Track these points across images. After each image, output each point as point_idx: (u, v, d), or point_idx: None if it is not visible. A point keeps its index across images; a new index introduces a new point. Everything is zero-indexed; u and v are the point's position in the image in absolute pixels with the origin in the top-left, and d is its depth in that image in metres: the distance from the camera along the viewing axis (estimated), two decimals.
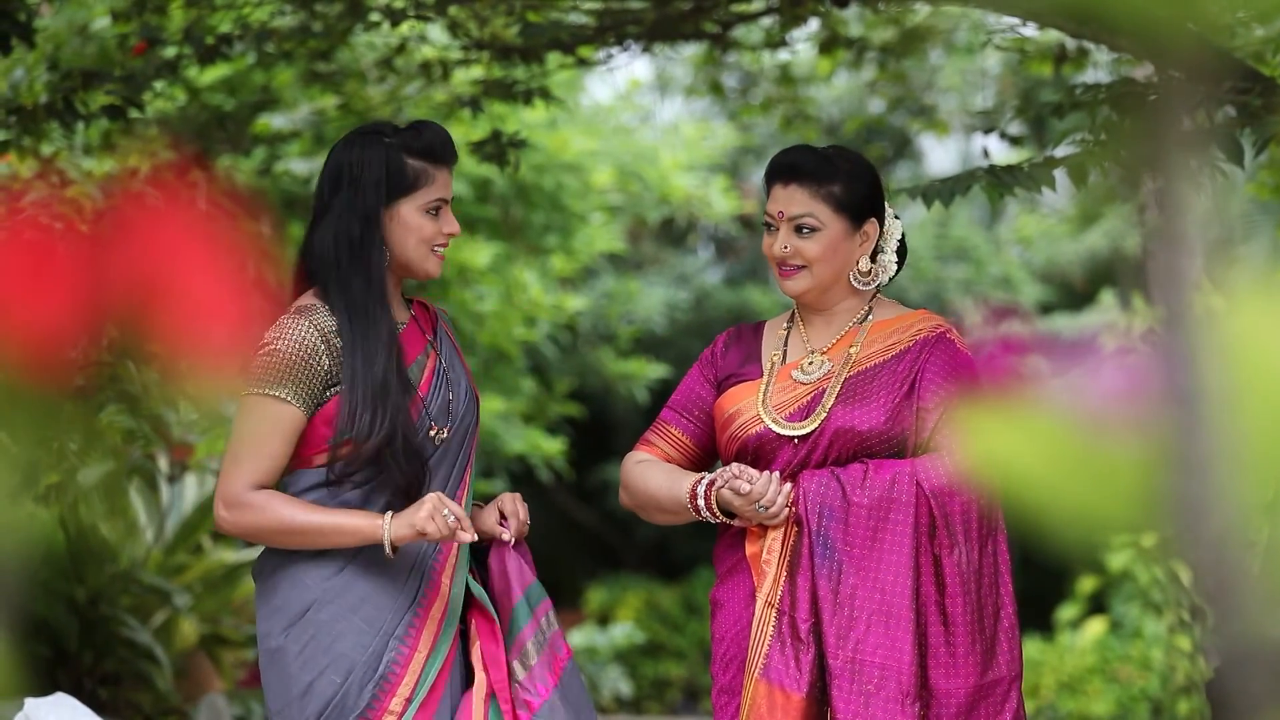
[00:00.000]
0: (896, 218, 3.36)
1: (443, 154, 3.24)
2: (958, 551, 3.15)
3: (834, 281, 3.30)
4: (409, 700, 3.14)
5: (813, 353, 3.33)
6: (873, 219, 3.31)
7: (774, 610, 3.17)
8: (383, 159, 3.19)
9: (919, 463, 3.18)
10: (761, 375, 3.34)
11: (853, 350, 3.29)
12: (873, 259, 3.34)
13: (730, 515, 3.25)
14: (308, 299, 3.20)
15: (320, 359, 3.13)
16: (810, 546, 3.15)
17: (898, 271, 3.38)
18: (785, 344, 3.38)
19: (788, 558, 3.18)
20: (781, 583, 3.18)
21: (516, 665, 3.22)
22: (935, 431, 3.20)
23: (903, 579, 3.13)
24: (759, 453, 3.27)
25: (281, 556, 3.19)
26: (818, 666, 3.14)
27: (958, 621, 3.14)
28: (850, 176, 3.29)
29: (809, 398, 3.28)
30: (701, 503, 3.24)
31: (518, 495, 3.33)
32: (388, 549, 3.09)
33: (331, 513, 3.12)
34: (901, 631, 3.11)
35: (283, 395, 3.12)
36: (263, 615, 3.21)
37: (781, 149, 3.42)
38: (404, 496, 3.16)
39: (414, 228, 3.20)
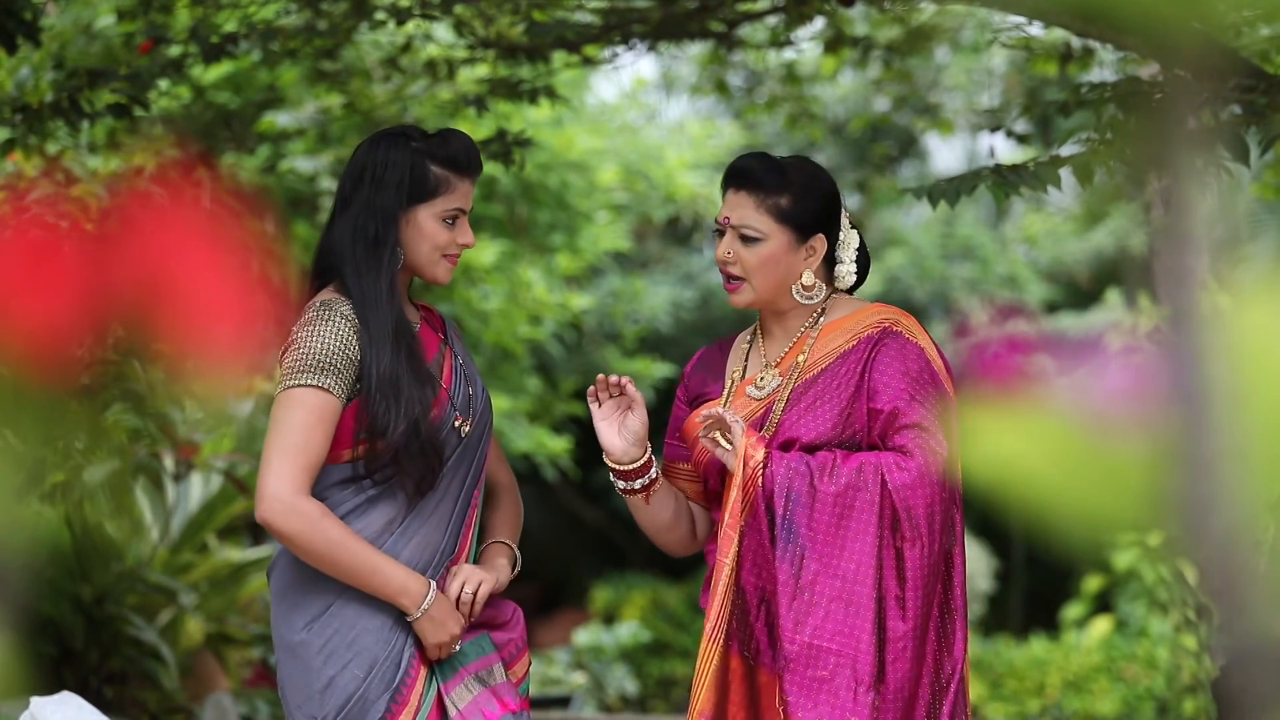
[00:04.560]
0: (854, 227, 3.35)
1: (466, 165, 3.25)
2: (920, 546, 3.13)
3: (776, 294, 3.28)
4: (421, 695, 3.16)
5: (766, 367, 3.32)
6: (820, 235, 3.27)
7: (733, 573, 3.15)
8: (407, 162, 3.21)
9: (885, 456, 3.16)
10: (722, 393, 3.34)
11: (801, 359, 3.28)
12: (831, 269, 3.33)
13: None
14: (328, 293, 3.21)
15: (354, 349, 3.15)
16: (774, 530, 3.14)
17: (861, 281, 3.36)
18: (746, 359, 3.37)
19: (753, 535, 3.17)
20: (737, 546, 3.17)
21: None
22: (894, 431, 3.18)
23: (865, 568, 3.11)
24: (722, 473, 3.26)
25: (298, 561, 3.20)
26: (770, 649, 3.14)
27: (915, 615, 3.13)
28: (801, 190, 3.26)
29: (760, 414, 3.26)
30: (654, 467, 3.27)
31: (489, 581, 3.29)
32: (417, 613, 3.14)
33: (379, 556, 3.14)
34: (862, 620, 3.10)
35: (324, 385, 3.11)
36: (281, 612, 3.21)
37: (739, 155, 3.40)
38: (417, 493, 3.18)
39: (428, 234, 3.22)
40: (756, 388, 3.30)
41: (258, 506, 3.09)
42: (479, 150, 3.31)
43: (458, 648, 3.21)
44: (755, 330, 3.40)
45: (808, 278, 3.27)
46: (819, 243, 3.27)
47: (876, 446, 3.19)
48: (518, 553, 3.37)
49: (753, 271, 3.24)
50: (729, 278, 3.28)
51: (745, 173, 3.27)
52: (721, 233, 3.29)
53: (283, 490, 3.07)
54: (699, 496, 3.40)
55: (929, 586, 3.15)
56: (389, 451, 3.14)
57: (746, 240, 3.24)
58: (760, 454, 3.16)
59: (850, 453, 3.18)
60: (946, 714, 3.17)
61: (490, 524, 3.42)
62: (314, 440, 3.10)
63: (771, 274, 3.25)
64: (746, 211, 3.24)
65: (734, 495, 3.16)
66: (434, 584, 3.18)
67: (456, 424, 3.24)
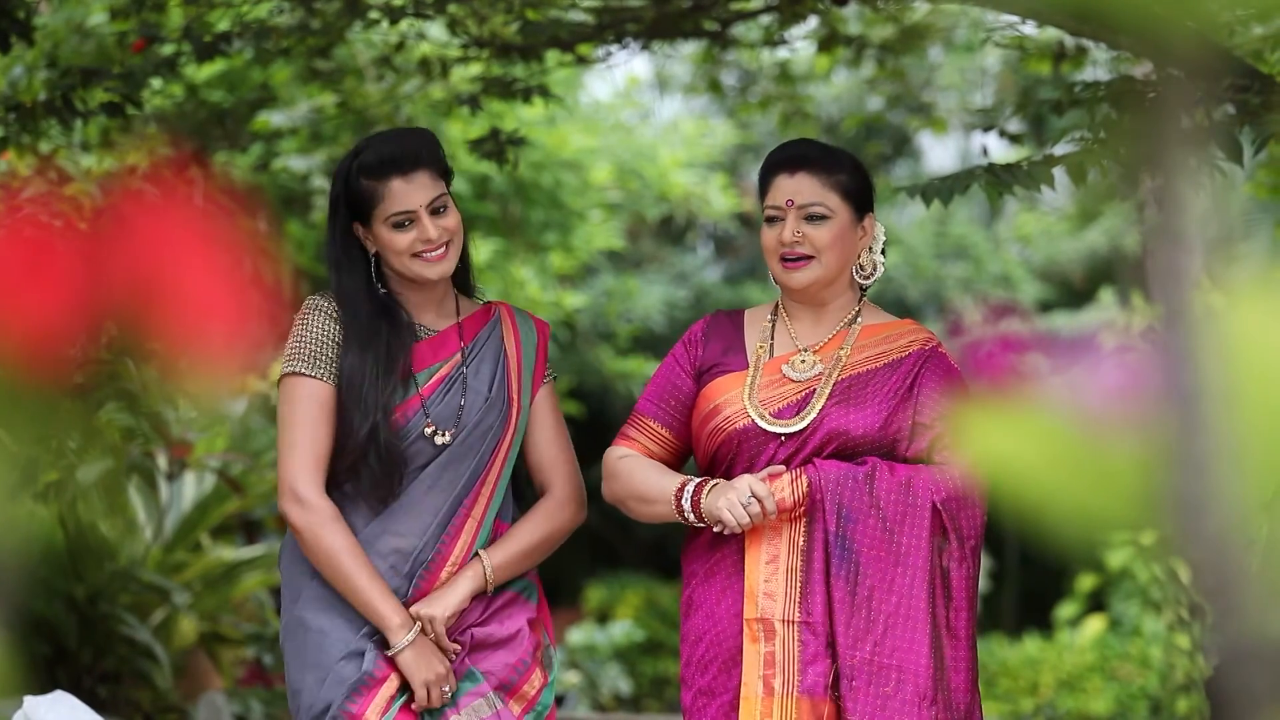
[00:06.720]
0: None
1: (382, 169, 3.21)
2: (965, 565, 3.17)
3: (839, 274, 3.30)
4: (391, 699, 3.14)
5: (804, 350, 3.31)
6: (870, 214, 3.33)
7: (797, 625, 3.13)
8: (342, 180, 3.25)
9: (929, 471, 3.18)
10: (746, 367, 3.31)
11: (842, 353, 3.29)
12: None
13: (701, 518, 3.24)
14: (323, 293, 3.30)
15: (337, 336, 3.21)
16: (827, 546, 3.14)
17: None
18: (771, 337, 3.36)
19: (799, 561, 3.17)
20: (798, 591, 3.15)
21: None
22: (936, 446, 3.21)
23: (919, 583, 3.13)
24: (742, 448, 3.24)
25: (294, 546, 3.24)
26: (833, 670, 3.14)
27: (961, 634, 3.16)
28: (853, 168, 3.31)
29: (799, 396, 3.26)
30: (687, 504, 3.22)
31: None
32: (398, 646, 3.12)
33: (368, 582, 3.13)
34: (919, 634, 3.11)
35: (313, 372, 3.17)
36: (281, 602, 3.32)
37: (778, 145, 3.42)
38: (380, 503, 3.19)
39: (385, 243, 3.24)
40: (794, 369, 3.29)
41: (278, 499, 3.18)
42: (417, 141, 3.26)
43: (448, 691, 3.17)
44: (776, 309, 3.39)
45: (864, 258, 3.32)
46: (869, 223, 3.32)
47: (909, 459, 3.21)
48: (487, 564, 3.25)
49: (824, 249, 3.26)
50: (795, 257, 3.27)
51: (802, 156, 3.30)
52: (774, 220, 3.29)
53: (295, 484, 3.14)
54: (667, 457, 3.37)
55: (974, 603, 3.18)
56: (352, 456, 3.16)
57: (814, 219, 3.25)
58: (803, 483, 3.16)
59: (895, 465, 3.19)
60: None
61: (509, 529, 3.36)
62: (318, 432, 3.16)
63: (840, 253, 3.27)
64: (813, 190, 3.26)
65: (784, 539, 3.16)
66: (417, 623, 3.15)
67: (428, 432, 3.22)
